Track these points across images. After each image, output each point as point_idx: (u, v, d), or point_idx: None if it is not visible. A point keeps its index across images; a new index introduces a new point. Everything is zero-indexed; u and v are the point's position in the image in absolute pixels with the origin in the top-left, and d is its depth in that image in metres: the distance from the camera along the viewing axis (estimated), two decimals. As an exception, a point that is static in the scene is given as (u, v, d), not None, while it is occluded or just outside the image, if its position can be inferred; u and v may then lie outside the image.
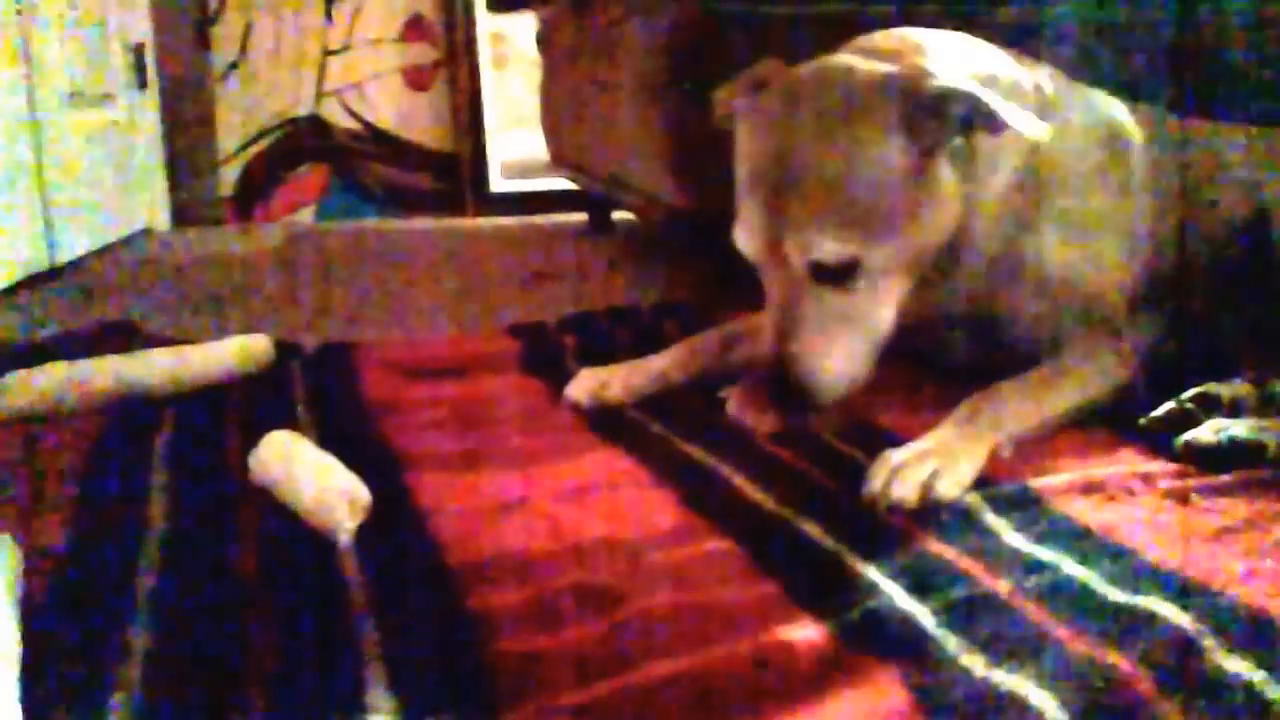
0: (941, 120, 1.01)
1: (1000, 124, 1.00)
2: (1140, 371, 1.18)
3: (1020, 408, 1.07)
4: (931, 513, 0.89)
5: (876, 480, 0.94)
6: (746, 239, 1.06)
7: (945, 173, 1.04)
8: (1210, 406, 1.07)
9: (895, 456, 0.96)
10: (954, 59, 1.09)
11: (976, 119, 1.01)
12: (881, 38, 1.13)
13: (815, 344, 1.01)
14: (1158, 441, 1.04)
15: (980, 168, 1.10)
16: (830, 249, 1.00)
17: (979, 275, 1.17)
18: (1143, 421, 1.07)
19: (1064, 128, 1.17)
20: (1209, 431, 1.01)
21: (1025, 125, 1.01)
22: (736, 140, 1.11)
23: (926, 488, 0.93)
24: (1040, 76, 1.20)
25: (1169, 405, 1.07)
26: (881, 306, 1.04)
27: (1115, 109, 1.28)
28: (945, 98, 1.00)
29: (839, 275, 1.01)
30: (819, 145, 1.01)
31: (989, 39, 1.20)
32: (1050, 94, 1.19)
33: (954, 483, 0.94)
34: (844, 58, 1.08)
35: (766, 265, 1.05)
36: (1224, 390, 1.09)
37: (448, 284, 2.33)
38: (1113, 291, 1.20)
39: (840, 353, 1.02)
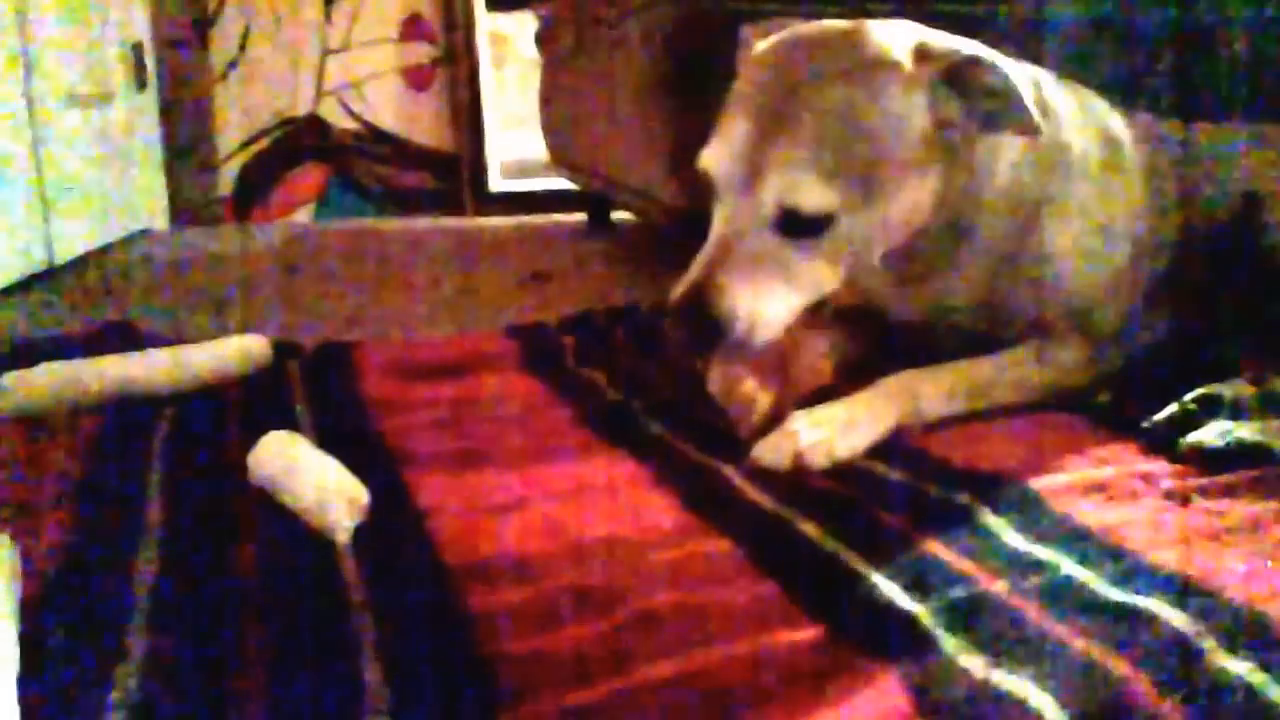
0: (970, 98, 0.98)
1: (1029, 122, 0.98)
2: (1115, 374, 1.19)
3: (945, 386, 1.08)
4: (932, 512, 0.89)
5: (763, 445, 0.99)
6: (718, 159, 0.98)
7: (947, 154, 1.02)
8: (1212, 407, 1.07)
9: (795, 422, 1.00)
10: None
11: (1004, 108, 0.98)
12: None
13: (746, 282, 0.96)
14: (1160, 441, 1.04)
15: (979, 160, 1.08)
16: (814, 196, 0.94)
17: (983, 270, 1.16)
18: (1145, 424, 1.07)
19: (1063, 128, 1.16)
20: (1214, 434, 1.01)
21: (1040, 125, 0.99)
22: (739, 74, 1.04)
23: (800, 455, 0.97)
24: (1037, 75, 1.18)
25: (1172, 407, 1.07)
26: (828, 273, 0.99)
27: (1108, 113, 1.27)
28: (981, 72, 0.97)
29: (805, 228, 0.96)
30: (835, 82, 0.95)
31: (992, 40, 1.20)
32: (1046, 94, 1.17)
33: (846, 447, 0.99)
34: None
35: (728, 194, 0.97)
36: (1225, 390, 1.09)
37: (448, 284, 2.33)
38: (1109, 298, 1.20)
39: (769, 301, 0.97)
